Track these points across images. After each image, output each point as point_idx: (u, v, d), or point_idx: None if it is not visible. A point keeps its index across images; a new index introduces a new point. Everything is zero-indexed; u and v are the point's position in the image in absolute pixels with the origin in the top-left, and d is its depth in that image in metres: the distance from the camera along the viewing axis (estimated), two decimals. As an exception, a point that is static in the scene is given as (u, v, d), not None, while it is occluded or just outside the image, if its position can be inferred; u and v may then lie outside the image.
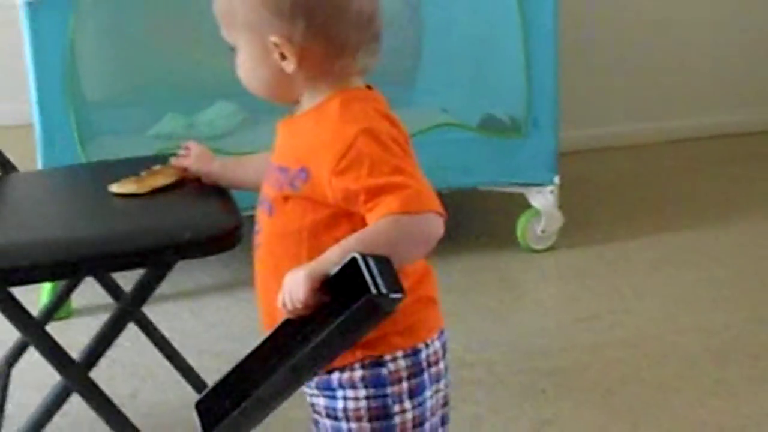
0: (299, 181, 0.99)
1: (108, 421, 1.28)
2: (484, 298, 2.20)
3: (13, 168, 1.62)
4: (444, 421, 1.12)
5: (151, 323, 1.70)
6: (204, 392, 1.03)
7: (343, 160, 0.94)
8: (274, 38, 0.98)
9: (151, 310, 1.66)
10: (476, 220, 2.65)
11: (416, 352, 1.03)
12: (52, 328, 1.30)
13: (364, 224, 0.96)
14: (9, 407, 1.52)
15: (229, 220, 1.30)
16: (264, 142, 2.42)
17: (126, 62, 2.57)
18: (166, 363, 1.73)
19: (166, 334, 1.73)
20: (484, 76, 2.51)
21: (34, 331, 1.25)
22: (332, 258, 0.92)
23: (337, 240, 0.95)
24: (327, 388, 1.04)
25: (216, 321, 2.09)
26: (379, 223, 0.92)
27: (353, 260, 0.89)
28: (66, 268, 1.33)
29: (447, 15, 2.68)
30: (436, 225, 0.95)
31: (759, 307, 2.11)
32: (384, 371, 1.01)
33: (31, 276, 1.22)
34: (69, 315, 2.08)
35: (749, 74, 3.36)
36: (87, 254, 1.24)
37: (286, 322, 0.96)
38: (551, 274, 2.33)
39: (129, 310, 1.31)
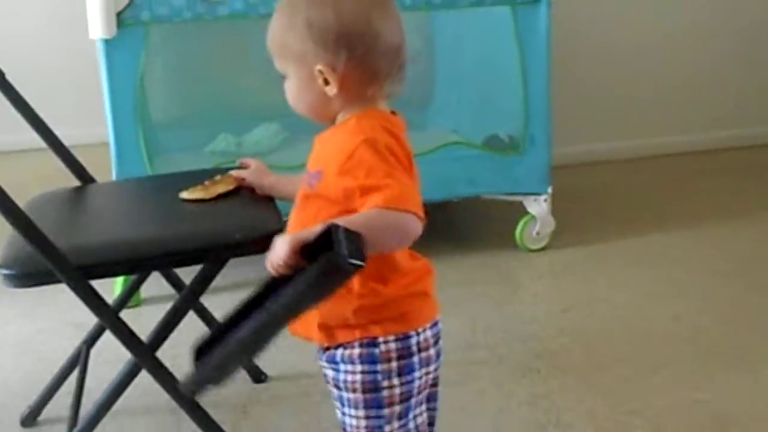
0: (315, 180, 1.04)
1: (170, 393, 1.31)
2: (488, 290, 2.21)
3: (92, 179, 1.64)
4: (431, 398, 1.14)
5: (207, 311, 1.73)
6: (200, 340, 1.05)
7: (347, 163, 0.97)
8: (319, 67, 1.00)
9: (207, 300, 1.68)
10: (481, 224, 2.67)
11: (407, 337, 1.05)
12: (124, 315, 1.33)
13: None
14: (88, 381, 1.54)
15: (273, 224, 1.32)
16: (302, 157, 2.44)
17: (186, 90, 2.59)
18: (219, 344, 1.77)
19: (220, 320, 1.75)
20: (488, 101, 2.51)
21: (109, 317, 1.27)
22: (316, 230, 0.94)
23: None
24: (332, 362, 1.06)
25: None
26: (365, 212, 0.96)
27: (328, 229, 0.91)
28: (137, 265, 1.36)
29: (456, 49, 2.69)
30: (413, 225, 0.97)
31: (710, 300, 2.11)
32: (376, 351, 1.03)
33: (108, 271, 1.25)
34: (138, 304, 2.10)
35: (718, 98, 3.33)
36: (154, 253, 1.28)
37: (271, 281, 1.00)
38: (544, 270, 2.33)
39: (189, 300, 1.33)
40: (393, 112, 1.08)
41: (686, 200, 2.83)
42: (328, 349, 1.07)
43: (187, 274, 1.41)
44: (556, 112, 2.38)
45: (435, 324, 1.10)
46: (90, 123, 2.53)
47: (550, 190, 2.40)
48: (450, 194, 2.40)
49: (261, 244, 1.28)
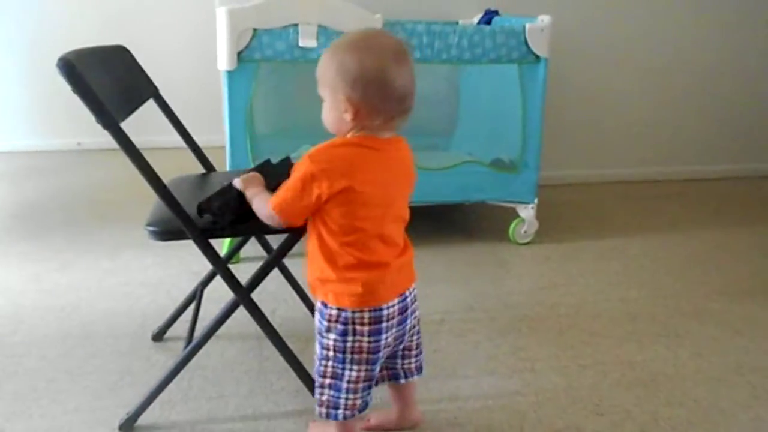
0: None
1: (260, 324, 1.32)
2: (486, 271, 2.19)
3: (214, 169, 1.65)
4: (370, 361, 1.11)
5: (287, 268, 1.73)
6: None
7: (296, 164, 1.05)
8: (341, 96, 1.00)
9: (287, 260, 1.69)
10: (484, 223, 2.64)
11: (344, 312, 1.08)
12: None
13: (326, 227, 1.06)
14: (201, 312, 1.56)
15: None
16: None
17: (281, 111, 2.61)
18: (294, 294, 1.77)
19: (295, 277, 1.76)
20: (496, 133, 2.49)
21: (220, 266, 1.27)
22: (256, 197, 1.14)
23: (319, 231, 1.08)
24: (318, 312, 1.12)
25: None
26: (270, 200, 1.08)
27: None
28: (241, 231, 1.37)
29: (475, 93, 2.67)
30: (277, 222, 1.08)
31: (651, 288, 2.07)
32: (325, 310, 1.10)
33: (221, 233, 1.26)
34: (238, 261, 2.11)
35: (669, 140, 3.28)
36: (253, 224, 1.28)
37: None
38: (528, 259, 2.31)
39: (276, 259, 1.33)
40: (395, 137, 1.08)
41: (640, 216, 2.78)
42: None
43: (275, 241, 1.41)
44: (545, 144, 2.35)
45: (376, 309, 1.08)
46: (211, 131, 2.55)
47: (536, 200, 2.37)
48: (464, 198, 2.39)
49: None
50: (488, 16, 2.61)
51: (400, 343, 1.17)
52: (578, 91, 3.07)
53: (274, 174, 1.28)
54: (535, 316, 1.86)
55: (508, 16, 2.55)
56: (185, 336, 1.46)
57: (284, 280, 1.74)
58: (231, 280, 1.27)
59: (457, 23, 2.63)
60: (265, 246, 1.68)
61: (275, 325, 1.34)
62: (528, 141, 2.29)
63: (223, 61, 1.98)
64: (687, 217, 2.79)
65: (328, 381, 1.12)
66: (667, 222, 2.72)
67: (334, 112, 1.03)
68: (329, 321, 1.09)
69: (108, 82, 1.21)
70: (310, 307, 1.76)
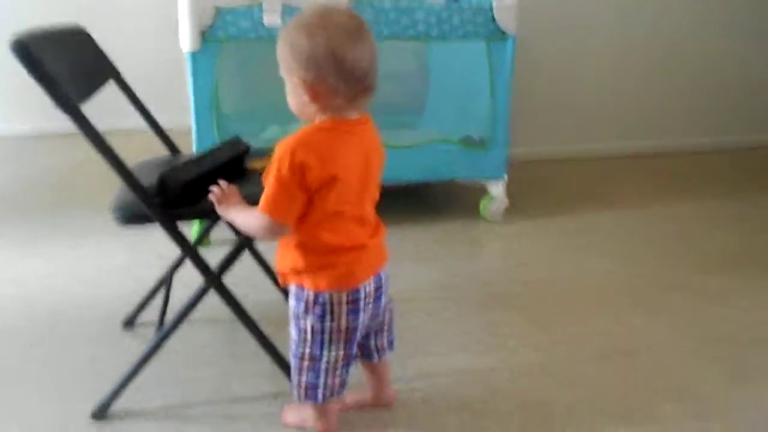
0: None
1: (232, 309, 1.31)
2: (458, 248, 2.20)
3: (179, 151, 1.62)
4: (348, 341, 1.12)
5: (258, 252, 1.72)
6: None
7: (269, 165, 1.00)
8: (296, 79, 0.97)
9: (258, 244, 1.68)
10: (455, 200, 2.65)
11: (322, 294, 1.06)
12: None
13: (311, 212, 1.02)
14: (171, 298, 1.55)
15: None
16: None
17: (247, 91, 2.57)
18: (267, 278, 1.76)
19: (267, 260, 1.75)
20: (465, 110, 2.49)
21: (189, 250, 1.26)
22: (239, 212, 1.10)
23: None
24: (294, 296, 1.11)
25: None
26: (256, 211, 1.02)
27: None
28: (209, 214, 1.35)
29: (444, 71, 2.67)
30: (266, 225, 1.02)
31: (624, 261, 2.11)
32: (302, 294, 1.08)
33: (189, 215, 1.24)
34: (208, 244, 2.08)
35: (637, 114, 3.31)
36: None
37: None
38: (499, 236, 2.33)
39: (245, 243, 1.32)
40: (362, 116, 1.05)
41: (613, 191, 2.82)
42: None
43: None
44: (515, 121, 2.36)
45: (354, 291, 1.08)
46: (177, 113, 2.50)
47: (506, 177, 2.39)
48: (434, 176, 2.40)
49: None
50: (456, -7, 2.59)
51: (374, 322, 1.18)
52: (548, 67, 3.08)
53: (232, 152, 1.29)
54: (507, 293, 1.88)
55: (475, -8, 2.54)
56: (156, 322, 1.45)
57: (256, 264, 1.73)
58: (200, 264, 1.26)
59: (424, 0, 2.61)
60: (235, 229, 1.66)
61: (248, 309, 1.33)
62: (497, 118, 2.30)
63: (186, 42, 1.93)
64: (660, 191, 2.84)
65: (306, 363, 1.11)
66: (639, 197, 2.76)
67: (294, 96, 1.01)
68: (307, 304, 1.08)
69: (66, 63, 1.17)
70: (283, 291, 1.76)
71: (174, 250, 1.38)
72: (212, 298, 1.31)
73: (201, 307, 1.33)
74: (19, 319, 1.69)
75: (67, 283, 1.89)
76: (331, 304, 1.07)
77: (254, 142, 1.50)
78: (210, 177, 1.20)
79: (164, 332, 1.31)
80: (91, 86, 1.29)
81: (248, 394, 1.40)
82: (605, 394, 1.42)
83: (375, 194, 1.12)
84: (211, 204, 1.15)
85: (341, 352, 1.11)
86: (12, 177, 2.92)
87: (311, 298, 1.07)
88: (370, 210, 1.11)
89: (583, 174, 3.07)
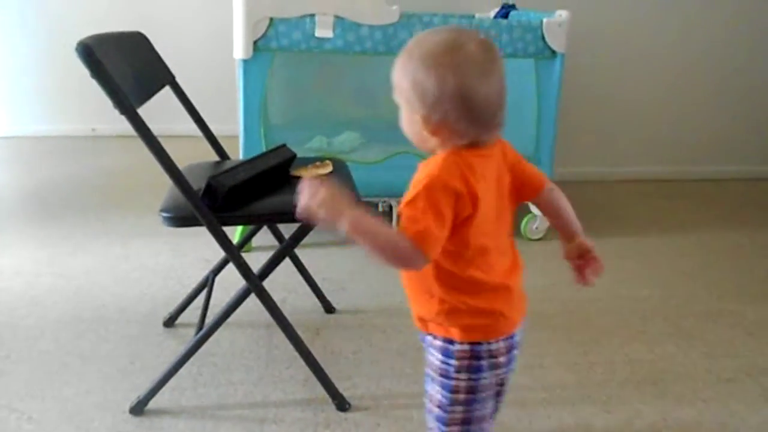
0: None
1: (270, 313, 1.33)
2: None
3: (228, 157, 1.66)
4: (499, 393, 1.00)
5: (298, 258, 1.74)
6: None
7: (411, 190, 0.85)
8: (418, 117, 0.86)
9: (299, 250, 1.70)
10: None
11: (479, 344, 0.91)
12: None
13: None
14: (212, 300, 1.57)
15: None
16: (373, 157, 2.44)
17: (295, 102, 2.61)
18: (305, 283, 1.78)
19: (307, 267, 1.77)
20: (510, 127, 2.46)
21: (233, 253, 1.28)
22: (364, 224, 0.84)
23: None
24: (425, 343, 0.98)
25: (334, 261, 2.13)
26: (394, 231, 0.84)
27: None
28: (254, 219, 1.38)
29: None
30: (416, 260, 0.83)
31: (663, 287, 2.06)
32: (452, 348, 0.92)
33: (234, 221, 1.27)
34: (249, 250, 2.11)
35: (681, 141, 3.25)
36: (267, 211, 1.29)
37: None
38: (540, 254, 2.29)
39: (288, 248, 1.34)
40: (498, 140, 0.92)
41: (655, 215, 2.76)
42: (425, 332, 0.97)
43: (287, 231, 1.42)
44: (559, 141, 2.34)
45: (510, 336, 0.94)
46: (226, 120, 2.55)
47: (549, 197, 2.35)
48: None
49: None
50: (505, 10, 2.59)
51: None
52: (594, 87, 3.04)
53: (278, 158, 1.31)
54: (545, 312, 1.85)
55: (525, 10, 2.53)
56: (196, 323, 1.48)
57: (295, 270, 1.75)
58: (243, 268, 1.28)
59: (473, 17, 2.61)
60: (277, 235, 1.69)
61: (285, 314, 1.35)
62: (542, 137, 2.28)
63: (239, 50, 1.98)
64: (702, 217, 2.77)
65: (457, 428, 0.96)
66: (682, 221, 2.70)
67: (411, 126, 0.89)
68: (460, 359, 0.92)
69: (125, 67, 1.21)
70: (321, 298, 1.77)
71: (216, 254, 1.41)
72: (250, 302, 1.33)
73: (239, 310, 1.35)
74: (65, 312, 1.74)
75: (113, 280, 1.95)
76: (490, 356, 0.92)
77: (300, 152, 1.52)
78: (256, 183, 1.23)
79: (203, 333, 1.33)
80: (148, 90, 1.34)
81: (282, 399, 1.41)
82: (639, 420, 1.39)
83: (510, 221, 0.98)
84: (287, 208, 1.12)
85: (489, 411, 0.98)
86: (67, 176, 3.03)
87: (466, 352, 0.92)
88: (507, 239, 0.97)
89: (626, 196, 3.01)
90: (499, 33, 2.12)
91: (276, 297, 1.37)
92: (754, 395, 1.50)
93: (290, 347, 1.36)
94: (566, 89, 2.27)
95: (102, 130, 3.75)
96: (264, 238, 1.80)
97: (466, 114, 0.84)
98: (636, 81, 3.11)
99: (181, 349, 1.36)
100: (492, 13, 2.66)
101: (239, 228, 2.02)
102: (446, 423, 0.95)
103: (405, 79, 0.86)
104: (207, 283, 1.62)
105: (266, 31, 1.96)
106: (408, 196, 0.85)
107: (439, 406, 0.95)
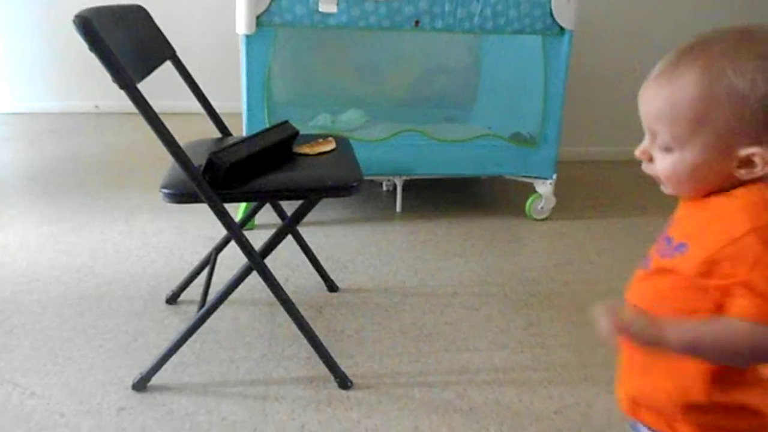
0: (678, 253, 0.68)
1: (272, 291, 1.32)
2: (502, 246, 2.17)
3: (230, 133, 1.64)
4: None
5: (301, 236, 1.73)
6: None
7: (726, 249, 0.61)
8: (747, 151, 0.62)
9: (302, 228, 1.69)
10: (501, 197, 2.62)
11: None
12: None
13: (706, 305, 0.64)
14: (214, 277, 1.57)
15: (355, 177, 1.30)
16: (377, 135, 2.42)
17: (299, 79, 2.58)
18: (307, 262, 1.77)
19: (310, 245, 1.76)
20: (516, 106, 2.45)
21: (235, 230, 1.27)
22: (673, 333, 0.63)
23: (677, 309, 0.67)
24: (633, 428, 0.76)
25: (337, 240, 2.12)
26: (736, 324, 0.60)
27: None
28: (257, 195, 1.37)
29: (496, 65, 2.62)
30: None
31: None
32: None
33: (237, 197, 1.26)
34: (252, 227, 2.11)
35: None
36: (269, 188, 1.28)
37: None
38: (544, 235, 2.29)
39: (290, 225, 1.33)
40: None
41: (659, 196, 2.70)
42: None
43: (290, 208, 1.41)
44: (565, 120, 2.31)
45: None
46: (229, 97, 2.53)
47: (554, 176, 2.33)
48: (482, 172, 2.37)
49: (344, 191, 1.29)
50: (513, -14, 2.54)
51: None
52: (601, 66, 3.00)
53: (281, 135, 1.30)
54: (548, 292, 1.84)
55: (533, -14, 2.48)
56: (198, 300, 1.48)
57: (298, 248, 1.74)
58: (245, 245, 1.27)
59: (481, -8, 2.57)
60: (280, 213, 1.67)
61: (288, 293, 1.34)
62: (548, 116, 2.25)
63: (242, 25, 1.95)
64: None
65: None
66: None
67: (708, 168, 0.65)
68: None
69: (125, 41, 1.19)
70: (323, 276, 1.77)
71: (218, 231, 1.40)
72: (252, 280, 1.33)
73: (241, 288, 1.35)
74: (70, 289, 1.74)
75: (116, 257, 1.94)
76: None
77: (304, 130, 1.51)
78: (258, 159, 1.21)
79: (206, 310, 1.33)
80: (148, 65, 1.32)
81: (284, 376, 1.41)
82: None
83: None
84: (262, 187, 1.12)
85: None
86: (71, 153, 3.02)
87: None
88: None
89: (631, 176, 2.97)
90: (506, 8, 2.08)
91: (279, 275, 1.36)
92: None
93: (293, 325, 1.36)
94: (573, 67, 2.23)
95: (105, 106, 3.73)
96: (267, 216, 1.79)
97: None
98: (645, 60, 3.06)
99: (184, 326, 1.36)
100: (499, -11, 2.61)
101: (242, 205, 2.01)
102: None
103: (707, 93, 0.63)
104: (210, 261, 1.61)
105: (269, 5, 1.93)
106: (739, 265, 0.60)
107: None
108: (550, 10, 2.10)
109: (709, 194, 0.67)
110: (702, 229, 0.65)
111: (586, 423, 1.31)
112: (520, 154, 2.30)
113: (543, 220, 2.38)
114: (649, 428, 0.71)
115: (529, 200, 2.37)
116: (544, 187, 2.34)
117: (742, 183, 0.65)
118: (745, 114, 0.61)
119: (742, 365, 0.64)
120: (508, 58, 2.51)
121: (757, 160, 0.62)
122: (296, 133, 1.44)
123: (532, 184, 2.36)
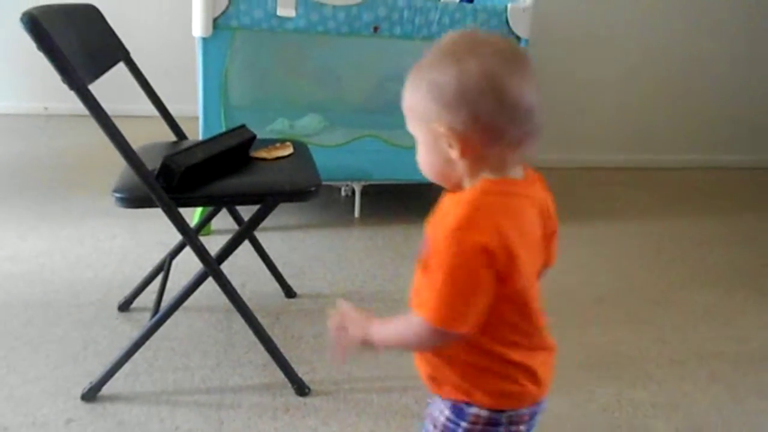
0: (424, 248, 0.74)
1: (228, 297, 1.30)
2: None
3: (185, 136, 1.61)
4: None
5: (258, 242, 1.70)
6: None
7: (435, 245, 0.70)
8: (440, 128, 0.70)
9: (259, 234, 1.67)
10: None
11: (500, 412, 0.78)
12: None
13: None
14: (168, 284, 1.53)
15: (313, 182, 1.30)
16: (336, 140, 2.41)
17: (256, 82, 2.56)
18: (264, 267, 1.75)
19: (267, 250, 1.74)
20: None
21: (189, 236, 1.25)
22: (382, 332, 0.76)
23: None
24: (434, 403, 0.83)
25: (295, 246, 2.10)
26: (408, 322, 0.72)
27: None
28: (213, 200, 1.34)
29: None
30: (443, 340, 0.73)
31: (620, 273, 2.10)
32: (467, 411, 0.78)
33: (191, 202, 1.23)
34: (209, 233, 2.08)
35: (641, 129, 3.31)
36: (226, 192, 1.26)
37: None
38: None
39: (247, 230, 1.31)
40: (530, 171, 0.77)
41: (610, 203, 2.81)
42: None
43: (247, 213, 1.39)
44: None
45: (537, 403, 0.80)
46: (184, 100, 2.48)
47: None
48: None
49: (302, 196, 1.29)
50: (470, -5, 2.58)
51: None
52: (554, 75, 3.06)
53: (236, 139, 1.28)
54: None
55: (490, -5, 2.53)
56: (151, 307, 1.44)
57: (256, 254, 1.72)
58: (200, 251, 1.24)
59: (439, 0, 2.60)
60: (237, 218, 1.65)
61: (245, 299, 1.32)
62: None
63: (198, 27, 1.92)
64: (655, 206, 2.83)
65: None
66: (636, 209, 2.75)
67: (433, 153, 0.73)
68: (474, 423, 0.78)
69: (75, 40, 1.16)
70: (281, 282, 1.75)
71: (174, 236, 1.37)
72: (209, 285, 1.31)
73: (197, 294, 1.33)
74: (14, 297, 1.68)
75: (66, 264, 1.88)
76: (509, 423, 0.79)
77: (262, 135, 1.49)
78: (214, 163, 1.19)
79: (159, 317, 1.30)
80: (100, 66, 1.28)
81: (240, 384, 1.38)
82: (593, 403, 1.41)
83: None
84: (219, 196, 1.11)
85: None
86: (18, 155, 2.91)
87: (482, 417, 0.78)
88: (539, 298, 0.82)
89: (583, 184, 3.05)
90: (464, 17, 2.11)
91: (236, 281, 1.34)
92: (704, 377, 1.54)
93: (249, 332, 1.34)
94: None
95: (55, 108, 3.61)
96: (224, 221, 1.76)
97: (496, 105, 0.68)
98: (597, 70, 3.15)
99: (136, 333, 1.32)
100: (457, -2, 2.64)
101: (198, 210, 1.97)
102: None
103: (417, 91, 0.72)
104: (164, 267, 1.58)
105: (227, 8, 1.91)
106: (426, 254, 0.71)
107: None
108: (506, 19, 2.14)
109: (457, 187, 0.74)
110: (438, 227, 0.71)
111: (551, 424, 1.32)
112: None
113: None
114: (448, 399, 0.79)
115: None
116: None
117: (479, 180, 0.72)
118: (434, 97, 0.71)
119: (416, 349, 0.78)
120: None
121: (448, 138, 0.70)
122: (253, 137, 1.43)
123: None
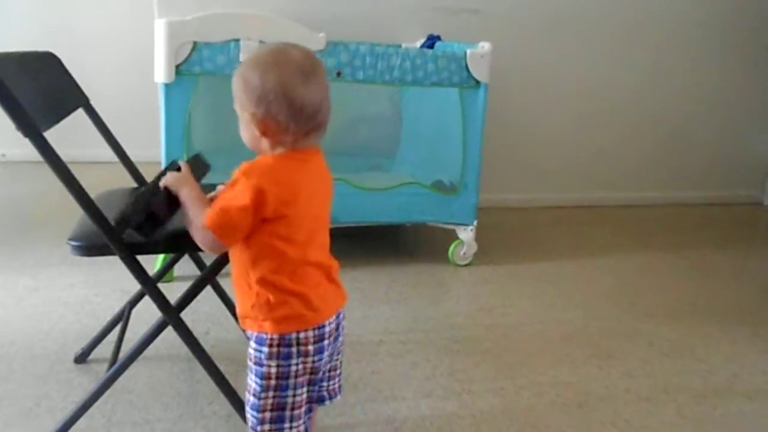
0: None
1: (190, 347, 1.26)
2: (426, 291, 2.18)
3: (146, 183, 1.57)
4: (311, 382, 1.05)
5: (220, 287, 1.67)
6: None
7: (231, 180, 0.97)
8: (247, 114, 0.97)
9: (222, 279, 1.64)
10: (424, 244, 2.65)
11: (287, 335, 1.00)
12: (160, 287, 1.26)
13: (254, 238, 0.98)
14: (128, 334, 1.49)
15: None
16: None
17: (220, 127, 2.54)
18: (229, 314, 1.71)
19: (231, 296, 1.71)
20: (437, 155, 2.51)
21: (148, 285, 1.21)
22: (189, 200, 1.04)
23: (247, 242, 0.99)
24: (254, 341, 1.02)
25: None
26: (205, 212, 0.98)
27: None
28: (172, 246, 1.31)
29: (417, 116, 2.69)
30: (209, 241, 0.98)
31: (590, 310, 2.12)
32: (265, 337, 0.99)
33: (150, 249, 1.20)
34: (171, 279, 2.02)
35: (602, 168, 3.39)
36: (184, 240, 1.23)
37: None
38: (467, 280, 2.32)
39: (207, 278, 1.28)
40: (314, 149, 1.03)
41: (575, 240, 2.85)
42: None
43: (209, 259, 1.36)
44: (484, 168, 2.38)
45: (320, 326, 1.02)
46: (146, 146, 2.46)
47: (475, 222, 2.39)
48: (405, 219, 2.39)
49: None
50: (431, 41, 2.64)
51: (329, 362, 1.12)
52: (518, 116, 3.14)
53: (197, 168, 1.26)
54: (472, 338, 1.86)
55: (449, 41, 2.59)
56: (109, 358, 1.39)
57: (218, 300, 1.68)
58: (159, 299, 1.21)
59: (400, 46, 2.65)
60: (198, 263, 1.62)
61: (208, 347, 1.28)
62: (468, 164, 2.32)
63: (161, 74, 1.92)
64: (618, 242, 2.88)
65: (269, 415, 1.02)
66: (601, 246, 2.80)
67: (247, 130, 1.00)
68: (270, 347, 1.00)
69: (31, 87, 1.14)
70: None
71: (134, 284, 1.33)
72: (170, 333, 1.26)
73: (159, 343, 1.29)
74: (-36, 351, 1.60)
75: (20, 314, 1.81)
76: (297, 344, 1.01)
77: (225, 178, 1.46)
78: (173, 205, 1.15)
79: (116, 368, 1.24)
80: (58, 113, 1.26)
81: (203, 436, 1.33)
82: (570, 445, 1.40)
83: (328, 227, 1.08)
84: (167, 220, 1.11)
85: (305, 395, 1.04)
86: (-28, 204, 2.83)
87: (275, 340, 1.00)
88: (325, 243, 1.07)
89: (548, 222, 3.10)
90: (425, 62, 2.15)
91: (199, 329, 1.31)
92: (671, 413, 1.55)
93: (212, 382, 1.29)
94: (489, 118, 2.32)
95: (12, 155, 3.54)
96: (187, 266, 1.72)
97: (287, 108, 0.94)
98: (555, 111, 3.24)
99: (93, 386, 1.26)
100: (418, 44, 2.70)
101: (160, 256, 1.93)
102: (259, 410, 1.01)
103: (238, 82, 0.97)
104: (123, 316, 1.52)
105: (189, 55, 1.91)
106: (228, 184, 0.98)
107: (253, 395, 1.02)
108: (466, 64, 2.19)
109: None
110: (239, 169, 0.98)
111: (512, 468, 1.30)
112: (442, 202, 2.35)
113: (466, 265, 2.42)
114: (251, 332, 1.02)
115: (452, 246, 2.41)
116: (466, 234, 2.39)
117: (277, 152, 0.99)
118: (246, 92, 0.97)
119: (192, 235, 1.02)
120: (428, 108, 2.58)
121: (252, 122, 0.97)
122: (207, 167, 1.40)
123: (454, 230, 2.41)
